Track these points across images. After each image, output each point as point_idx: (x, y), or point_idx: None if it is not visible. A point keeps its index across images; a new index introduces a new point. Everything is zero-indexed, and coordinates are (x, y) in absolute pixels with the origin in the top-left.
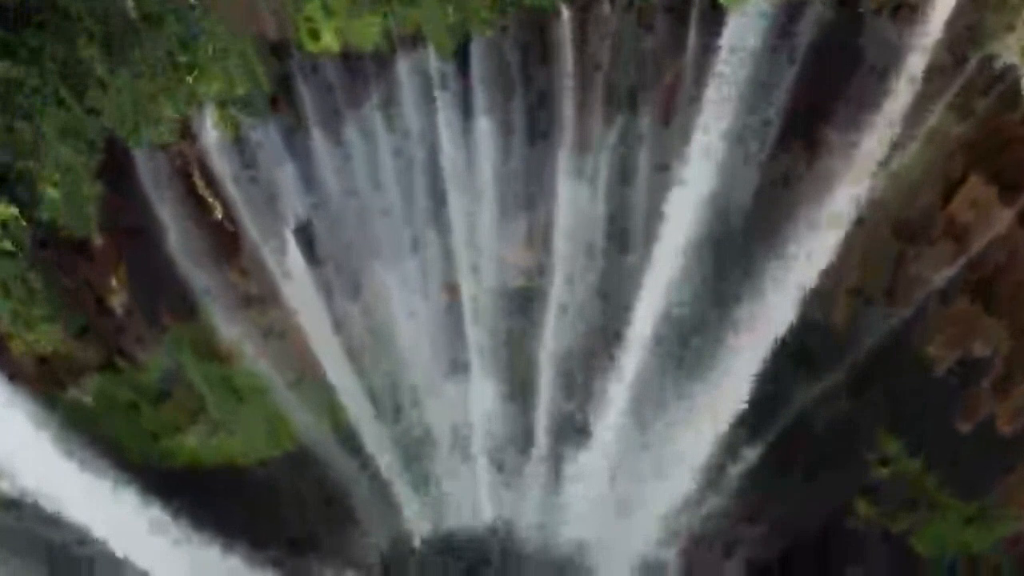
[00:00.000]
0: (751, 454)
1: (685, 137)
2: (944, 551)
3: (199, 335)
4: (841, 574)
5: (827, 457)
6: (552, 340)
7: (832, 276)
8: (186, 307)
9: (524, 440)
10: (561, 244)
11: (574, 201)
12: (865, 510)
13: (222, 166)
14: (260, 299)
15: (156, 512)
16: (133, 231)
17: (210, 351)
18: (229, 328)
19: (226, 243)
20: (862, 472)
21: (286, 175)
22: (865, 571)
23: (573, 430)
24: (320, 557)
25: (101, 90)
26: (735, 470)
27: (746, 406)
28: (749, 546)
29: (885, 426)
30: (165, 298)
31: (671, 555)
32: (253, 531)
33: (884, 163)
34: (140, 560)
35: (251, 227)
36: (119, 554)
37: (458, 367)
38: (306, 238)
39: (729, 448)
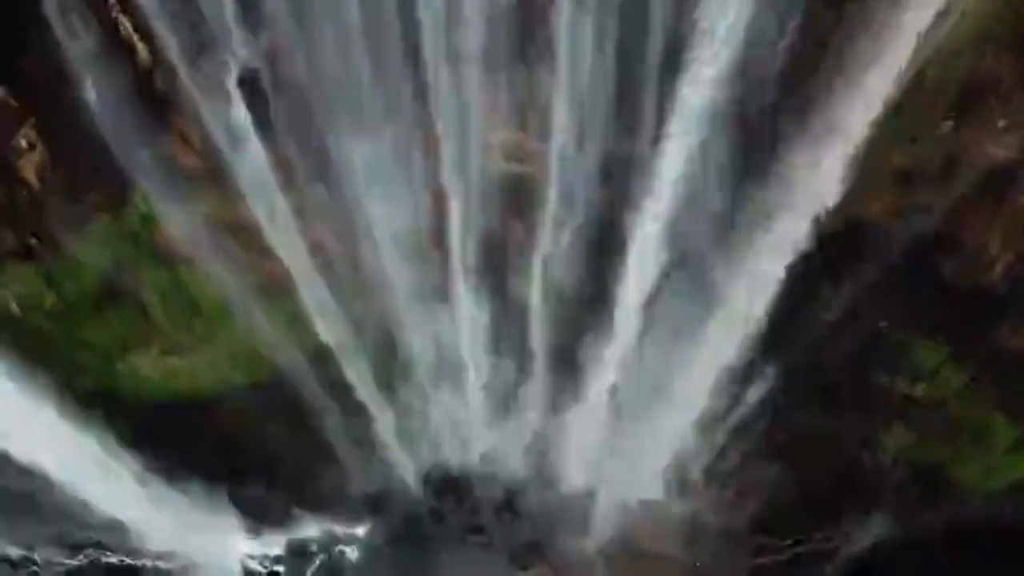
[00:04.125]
0: (767, 383)
1: None
2: (987, 481)
3: (134, 224)
4: (867, 515)
5: (853, 383)
6: (549, 240)
7: (874, 159)
8: (115, 185)
9: (519, 369)
10: (560, 122)
11: (574, 65)
12: (895, 443)
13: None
14: (206, 179)
15: (112, 447)
16: (42, 81)
17: (151, 248)
18: (170, 217)
19: (159, 101)
20: (893, 398)
21: (227, 10)
22: (894, 511)
23: (573, 358)
24: (298, 501)
25: None
26: (750, 402)
27: (763, 327)
28: (765, 488)
29: (926, 337)
30: (88, 170)
31: (679, 499)
32: (222, 472)
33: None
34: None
35: (188, 79)
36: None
37: (444, 276)
38: (255, 95)
39: (744, 377)
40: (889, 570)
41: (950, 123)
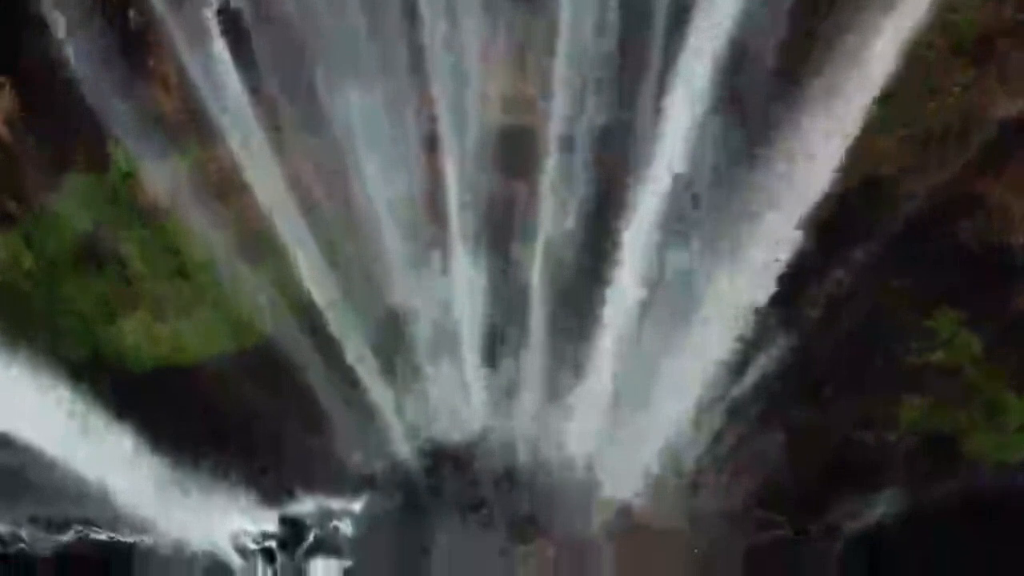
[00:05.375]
0: (776, 353)
1: None
2: (999, 453)
3: (114, 181)
4: (876, 489)
5: (866, 351)
6: (549, 192)
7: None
8: (93, 139)
9: (519, 330)
10: (562, 69)
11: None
12: (907, 414)
13: None
14: (187, 129)
15: (98, 418)
16: (9, 29)
17: (133, 206)
18: (151, 172)
19: (136, 45)
20: (907, 367)
21: None
22: (904, 485)
23: (575, 320)
24: (291, 475)
25: None
26: (757, 373)
27: (773, 289)
28: (767, 465)
29: (942, 303)
30: (60, 119)
31: (681, 473)
32: (211, 446)
33: None
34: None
35: (166, 18)
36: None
37: (440, 236)
38: (234, 31)
39: (752, 348)
40: (898, 544)
41: (971, 74)
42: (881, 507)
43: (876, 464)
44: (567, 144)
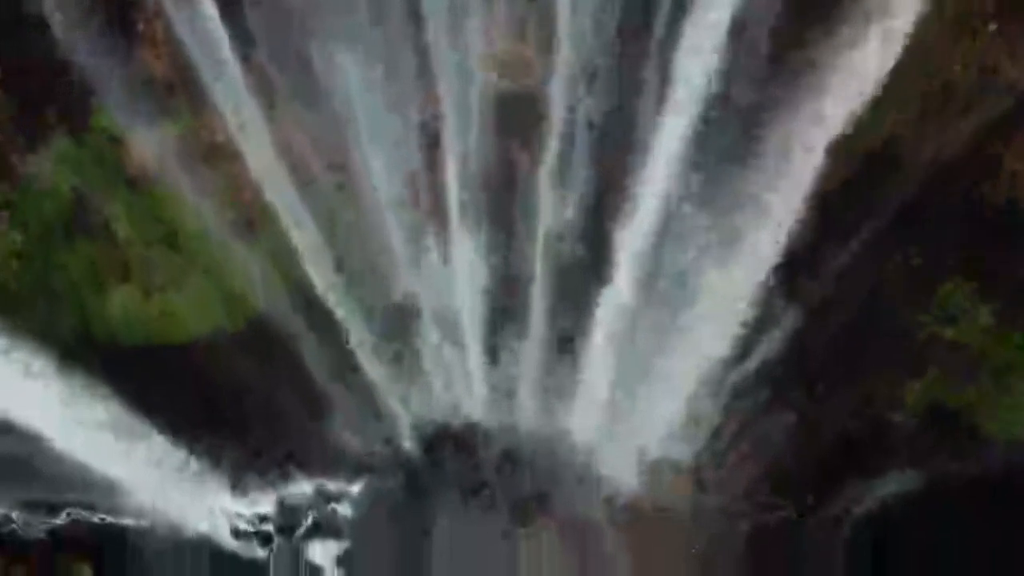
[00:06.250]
0: (785, 329)
1: None
2: (1011, 429)
3: (100, 145)
4: (882, 473)
5: (877, 324)
6: (553, 158)
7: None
8: (76, 100)
9: (520, 310)
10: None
11: None
12: (917, 390)
13: None
14: (176, 93)
15: (90, 398)
16: None
17: (120, 173)
18: (139, 138)
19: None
20: (918, 341)
21: None
22: (913, 464)
23: (578, 299)
24: (288, 457)
25: None
26: (764, 350)
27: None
28: (773, 447)
29: (955, 272)
30: (45, 83)
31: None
32: (206, 426)
33: None
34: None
35: None
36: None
37: (439, 208)
38: None
39: (759, 325)
40: (908, 523)
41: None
42: (889, 488)
43: (883, 445)
44: (568, 118)
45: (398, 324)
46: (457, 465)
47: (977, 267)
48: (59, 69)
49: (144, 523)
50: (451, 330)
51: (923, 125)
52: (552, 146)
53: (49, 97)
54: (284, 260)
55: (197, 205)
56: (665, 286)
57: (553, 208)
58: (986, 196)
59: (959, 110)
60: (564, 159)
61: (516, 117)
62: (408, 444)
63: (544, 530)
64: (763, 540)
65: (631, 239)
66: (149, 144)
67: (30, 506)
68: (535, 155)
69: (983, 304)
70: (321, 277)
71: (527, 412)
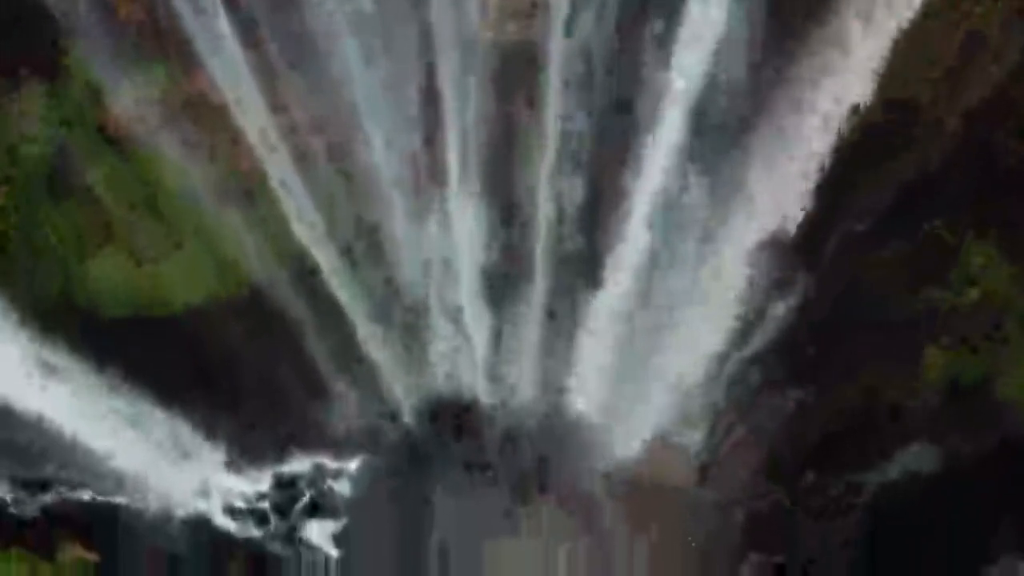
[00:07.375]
0: (795, 300)
1: None
2: None
3: (76, 96)
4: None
5: (887, 298)
6: (553, 121)
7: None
8: (44, 48)
9: (521, 279)
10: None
11: None
12: (936, 362)
13: None
14: (156, 40)
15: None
16: None
17: (99, 130)
18: (118, 89)
19: None
20: (937, 311)
21: None
22: (934, 440)
23: (579, 267)
24: (284, 433)
25: None
26: (773, 323)
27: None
28: (784, 423)
29: (975, 235)
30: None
31: (694, 434)
32: (199, 402)
33: None
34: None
35: None
36: None
37: (437, 177)
38: None
39: (769, 295)
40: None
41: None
42: (910, 465)
43: (901, 421)
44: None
45: (396, 293)
46: (456, 441)
47: (997, 225)
48: (33, 13)
49: (137, 500)
50: (452, 296)
51: (948, 82)
52: (551, 102)
53: (26, 46)
54: (277, 228)
55: (183, 169)
56: (665, 262)
57: (551, 171)
58: (1010, 145)
59: (989, 61)
60: (565, 120)
61: (516, 62)
62: (406, 420)
63: (545, 505)
64: (761, 521)
65: (630, 225)
66: (129, 97)
67: (18, 483)
68: (536, 112)
69: (1005, 262)
70: (314, 244)
71: (531, 382)
